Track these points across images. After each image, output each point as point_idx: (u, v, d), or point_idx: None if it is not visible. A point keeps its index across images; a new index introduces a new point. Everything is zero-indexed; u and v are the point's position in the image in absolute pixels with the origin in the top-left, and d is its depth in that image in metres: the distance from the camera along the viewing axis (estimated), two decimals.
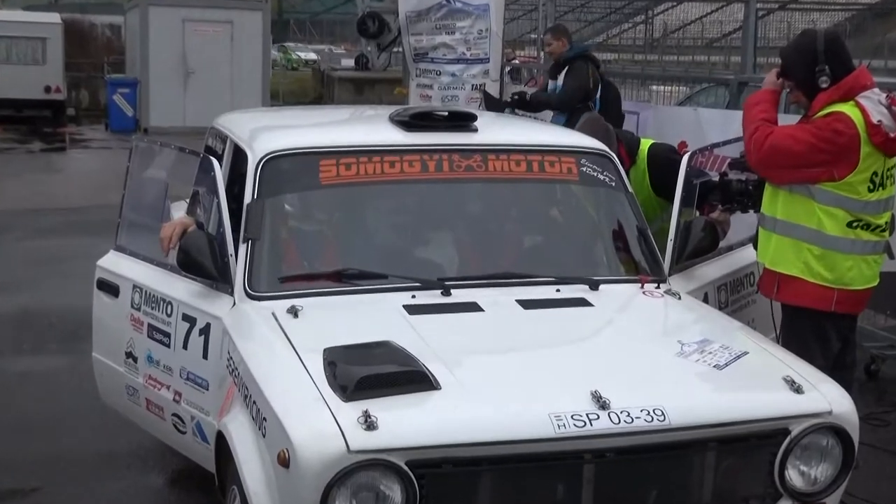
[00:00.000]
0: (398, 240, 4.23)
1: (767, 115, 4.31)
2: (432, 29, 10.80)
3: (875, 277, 4.33)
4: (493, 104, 10.05)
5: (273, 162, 4.06)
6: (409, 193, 4.25)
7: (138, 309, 4.35)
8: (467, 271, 4.06)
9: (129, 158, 4.89)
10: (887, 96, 4.18)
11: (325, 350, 3.22)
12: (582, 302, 3.81)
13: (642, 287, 4.04)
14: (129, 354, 4.44)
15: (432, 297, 3.76)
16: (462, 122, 4.36)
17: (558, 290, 3.89)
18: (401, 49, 14.35)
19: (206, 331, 3.92)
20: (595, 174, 4.33)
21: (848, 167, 4.12)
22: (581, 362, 3.36)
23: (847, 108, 4.15)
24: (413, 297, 3.74)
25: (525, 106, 8.60)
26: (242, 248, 3.87)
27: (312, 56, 37.23)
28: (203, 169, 4.21)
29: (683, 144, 7.11)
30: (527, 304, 3.73)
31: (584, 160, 4.35)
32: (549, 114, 8.78)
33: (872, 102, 4.15)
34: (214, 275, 3.88)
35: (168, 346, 4.15)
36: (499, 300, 3.77)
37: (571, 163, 4.32)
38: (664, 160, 5.28)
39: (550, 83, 8.60)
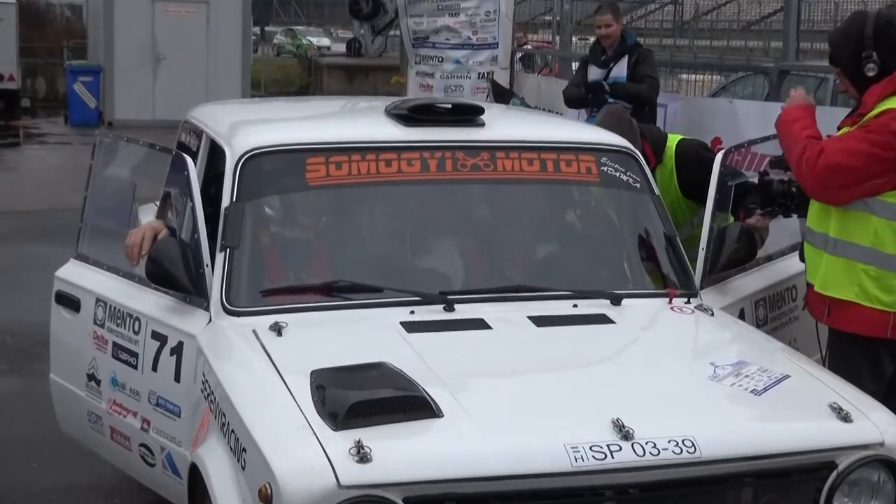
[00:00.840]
0: (395, 248, 4.24)
1: (811, 132, 4.27)
2: (434, 10, 10.85)
3: None
4: (503, 94, 10.08)
5: (254, 160, 4.08)
6: (407, 196, 4.26)
7: (102, 325, 4.36)
8: (473, 284, 4.08)
9: (92, 156, 4.90)
10: None
11: (312, 372, 3.23)
12: (602, 319, 3.83)
13: (670, 302, 4.05)
14: (91, 377, 4.44)
15: (433, 312, 3.77)
16: (467, 115, 4.38)
17: (575, 306, 3.90)
18: (398, 33, 14.41)
19: (178, 350, 3.93)
20: (617, 174, 4.34)
21: None
22: (601, 387, 3.37)
23: None
24: (412, 312, 3.75)
25: (595, 101, 7.94)
26: (220, 258, 3.88)
27: (326, 42, 37.00)
28: (175, 168, 4.23)
29: (717, 140, 7.13)
30: (540, 321, 3.74)
31: (605, 158, 4.36)
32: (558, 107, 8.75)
33: None
34: (188, 287, 3.89)
35: (135, 367, 4.15)
36: (508, 316, 3.78)
37: (590, 161, 4.33)
38: (695, 158, 5.29)
39: (596, 72, 8.12)
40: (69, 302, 4.58)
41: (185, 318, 3.93)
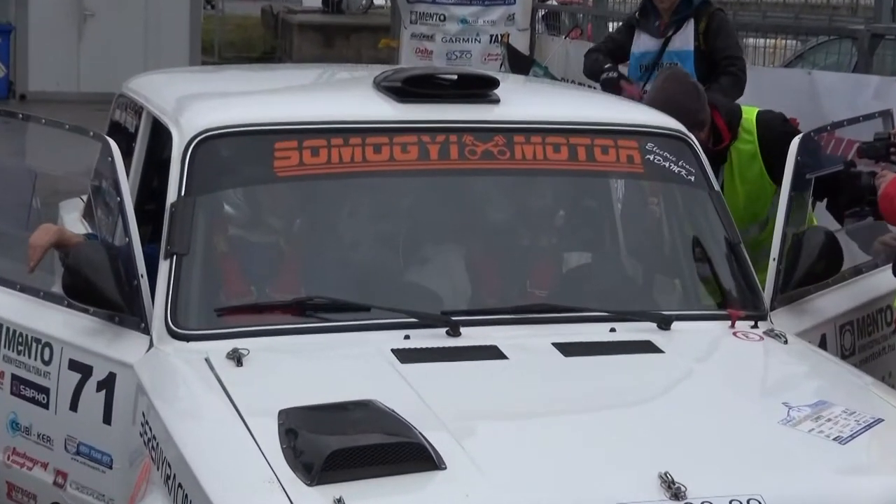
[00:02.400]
0: (386, 257, 4.25)
1: None
2: None
3: None
4: (521, 63, 10.08)
5: (208, 144, 4.09)
6: (402, 190, 4.29)
7: None
8: (484, 302, 4.10)
9: None
10: None
11: (281, 412, 3.24)
12: (647, 347, 3.84)
13: (733, 325, 4.06)
14: None
15: (434, 337, 3.79)
16: (477, 89, 4.40)
17: (613, 330, 3.92)
18: None
19: (108, 384, 3.93)
20: (666, 164, 4.35)
21: None
22: (645, 433, 3.38)
23: None
24: (406, 337, 3.77)
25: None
26: (164, 267, 3.88)
27: None
28: (100, 154, 4.21)
29: (793, 122, 7.13)
30: (568, 350, 3.76)
31: (651, 144, 4.37)
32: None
33: None
34: (117, 303, 3.89)
35: (45, 406, 4.15)
36: (528, 343, 3.80)
37: (633, 148, 4.34)
38: (781, 134, 5.23)
39: (647, 43, 7.30)
40: None
41: (116, 344, 3.93)
